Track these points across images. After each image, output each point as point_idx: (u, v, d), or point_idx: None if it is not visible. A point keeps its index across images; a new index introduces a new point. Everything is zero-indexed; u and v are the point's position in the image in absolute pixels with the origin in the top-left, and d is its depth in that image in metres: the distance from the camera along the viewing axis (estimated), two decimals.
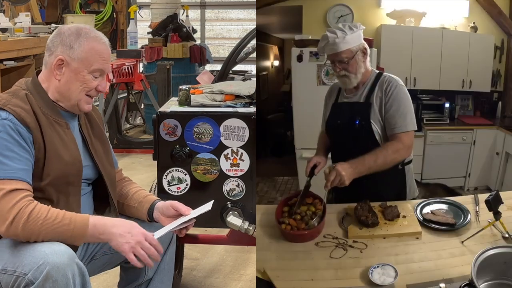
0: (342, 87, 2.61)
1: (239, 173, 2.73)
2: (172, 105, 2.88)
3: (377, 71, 2.58)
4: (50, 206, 1.92)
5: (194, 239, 3.05)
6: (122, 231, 1.95)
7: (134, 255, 1.94)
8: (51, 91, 2.07)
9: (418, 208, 2.52)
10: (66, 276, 1.80)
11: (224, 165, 2.72)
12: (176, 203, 2.18)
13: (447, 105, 2.91)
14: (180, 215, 2.16)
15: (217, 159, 2.71)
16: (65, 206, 1.97)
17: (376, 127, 2.53)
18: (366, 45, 2.53)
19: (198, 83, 3.44)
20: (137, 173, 5.37)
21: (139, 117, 7.65)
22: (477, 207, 2.50)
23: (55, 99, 2.07)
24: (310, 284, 2.24)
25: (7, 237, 1.88)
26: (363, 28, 2.52)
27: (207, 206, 2.16)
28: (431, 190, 2.81)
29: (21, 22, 6.19)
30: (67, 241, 1.92)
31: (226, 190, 2.74)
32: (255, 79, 3.11)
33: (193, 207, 2.18)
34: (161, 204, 2.21)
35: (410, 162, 2.62)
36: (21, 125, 1.93)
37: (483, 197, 2.47)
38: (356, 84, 2.54)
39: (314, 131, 2.97)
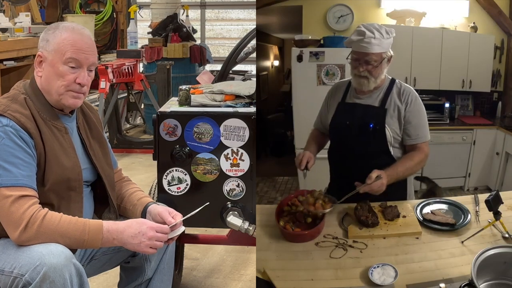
0: (356, 87, 2.55)
1: (239, 173, 2.72)
2: (172, 105, 2.88)
3: (390, 77, 2.57)
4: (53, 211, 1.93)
5: (194, 239, 3.05)
6: (133, 233, 1.97)
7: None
8: (41, 89, 2.06)
9: (418, 208, 2.53)
10: (63, 277, 1.81)
11: (224, 165, 2.72)
12: (163, 212, 2.16)
13: (447, 105, 2.91)
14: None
15: (217, 159, 2.71)
16: (66, 211, 1.97)
17: (389, 132, 2.52)
18: (392, 54, 2.51)
19: (198, 83, 3.44)
20: (137, 173, 5.37)
21: (139, 117, 7.65)
22: (477, 207, 2.50)
23: (46, 98, 2.05)
24: (310, 284, 2.24)
25: (20, 243, 1.87)
26: (394, 36, 2.50)
27: (195, 211, 2.16)
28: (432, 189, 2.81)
29: (21, 22, 6.20)
30: (82, 245, 1.94)
31: (226, 190, 2.74)
32: (255, 79, 3.11)
33: (193, 207, 2.18)
34: (152, 208, 2.20)
35: None
36: (23, 131, 1.93)
37: (483, 197, 2.47)
38: (372, 87, 2.52)
39: None
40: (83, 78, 2.04)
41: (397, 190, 2.58)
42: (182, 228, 2.14)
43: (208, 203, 2.23)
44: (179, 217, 2.14)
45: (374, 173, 2.40)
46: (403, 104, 2.52)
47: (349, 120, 2.59)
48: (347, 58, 2.53)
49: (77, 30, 2.05)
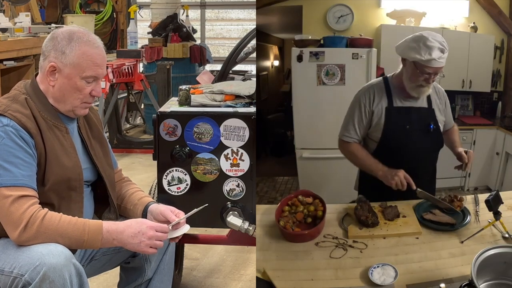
0: (416, 95, 2.58)
1: (239, 173, 2.72)
2: (172, 105, 2.88)
3: None
4: (53, 211, 1.93)
5: (194, 239, 3.05)
6: (133, 233, 1.97)
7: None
8: (48, 95, 2.06)
9: (418, 208, 2.53)
10: (63, 277, 1.81)
11: (224, 165, 2.72)
12: (165, 211, 2.16)
13: None
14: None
15: (217, 159, 2.71)
16: (66, 211, 1.97)
17: (441, 128, 2.66)
18: None
19: (198, 83, 3.44)
20: (137, 173, 5.37)
21: (139, 117, 7.65)
22: (477, 207, 2.50)
23: (52, 103, 2.06)
24: (310, 284, 2.24)
25: (19, 243, 1.87)
26: None
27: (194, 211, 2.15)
28: None
29: (21, 22, 6.19)
30: (82, 245, 1.93)
31: (226, 190, 2.74)
32: (255, 79, 3.11)
33: (193, 207, 2.18)
34: (153, 207, 2.21)
35: None
36: (23, 131, 1.93)
37: (483, 197, 2.47)
38: None
39: (314, 131, 2.96)
40: (98, 90, 2.08)
41: (431, 184, 2.69)
42: (187, 227, 2.14)
43: (207, 204, 2.23)
44: (182, 215, 2.14)
45: (462, 149, 2.64)
46: (442, 102, 2.68)
47: (408, 123, 2.62)
48: (418, 71, 2.50)
49: (93, 42, 2.05)
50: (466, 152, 2.62)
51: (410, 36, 2.53)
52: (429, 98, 2.63)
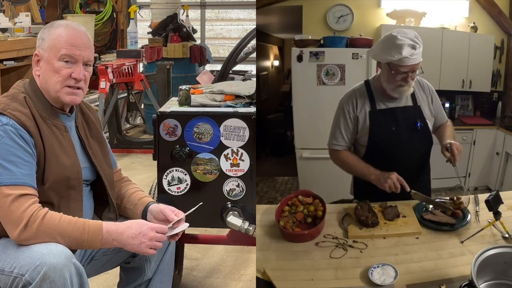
0: (397, 95, 2.56)
1: (239, 173, 2.72)
2: (172, 105, 2.88)
3: None
4: (53, 210, 1.93)
5: (194, 239, 3.05)
6: (133, 234, 1.97)
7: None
8: (41, 89, 2.06)
9: (418, 208, 2.53)
10: (63, 277, 1.81)
11: (224, 165, 2.72)
12: (165, 209, 2.16)
13: (447, 105, 2.91)
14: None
15: (217, 159, 2.71)
16: (66, 210, 1.97)
17: (430, 124, 2.64)
18: None
19: (198, 83, 3.44)
20: (137, 173, 5.37)
21: (139, 117, 7.65)
22: (477, 207, 2.50)
23: (46, 97, 2.05)
24: (310, 284, 2.24)
25: (19, 242, 1.87)
26: None
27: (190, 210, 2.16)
28: None
29: (21, 22, 6.20)
30: (82, 245, 1.93)
31: (226, 190, 2.74)
32: (255, 79, 3.11)
33: (193, 207, 2.19)
34: (153, 207, 2.21)
35: None
36: (23, 129, 1.93)
37: (483, 197, 2.47)
38: None
39: (314, 131, 2.96)
40: (78, 73, 2.03)
41: (426, 183, 2.69)
42: (185, 224, 2.14)
43: (201, 203, 2.23)
44: (181, 215, 2.14)
45: (448, 142, 2.54)
46: (428, 96, 2.64)
47: (394, 125, 2.60)
48: (393, 72, 2.47)
49: (71, 26, 2.06)
50: (450, 145, 2.53)
51: (381, 37, 2.51)
52: (413, 96, 2.59)
